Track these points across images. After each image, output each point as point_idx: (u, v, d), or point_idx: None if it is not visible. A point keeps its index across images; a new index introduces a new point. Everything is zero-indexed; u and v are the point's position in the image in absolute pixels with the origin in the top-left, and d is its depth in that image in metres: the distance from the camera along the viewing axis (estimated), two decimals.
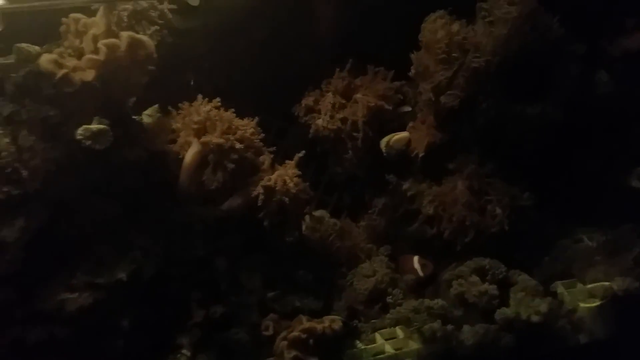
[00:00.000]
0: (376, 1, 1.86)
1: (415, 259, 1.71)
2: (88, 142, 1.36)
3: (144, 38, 1.44)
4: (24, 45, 1.37)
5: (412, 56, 1.75)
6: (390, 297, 1.69)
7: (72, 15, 1.43)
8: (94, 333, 1.41)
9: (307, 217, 1.79)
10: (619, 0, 1.79)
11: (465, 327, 1.56)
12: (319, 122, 1.83)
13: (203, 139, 1.57)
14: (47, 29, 1.46)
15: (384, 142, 1.76)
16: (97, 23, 1.40)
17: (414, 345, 1.57)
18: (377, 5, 1.86)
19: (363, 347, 1.56)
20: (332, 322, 1.51)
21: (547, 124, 1.71)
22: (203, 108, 1.60)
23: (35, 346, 1.38)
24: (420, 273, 1.71)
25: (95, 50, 1.37)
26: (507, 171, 1.72)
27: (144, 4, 1.64)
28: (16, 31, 1.41)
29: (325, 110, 1.84)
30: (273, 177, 1.59)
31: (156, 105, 1.63)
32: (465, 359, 1.55)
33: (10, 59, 1.37)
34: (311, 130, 1.85)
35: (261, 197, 1.57)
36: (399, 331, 1.60)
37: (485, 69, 1.67)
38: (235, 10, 1.79)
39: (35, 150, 1.35)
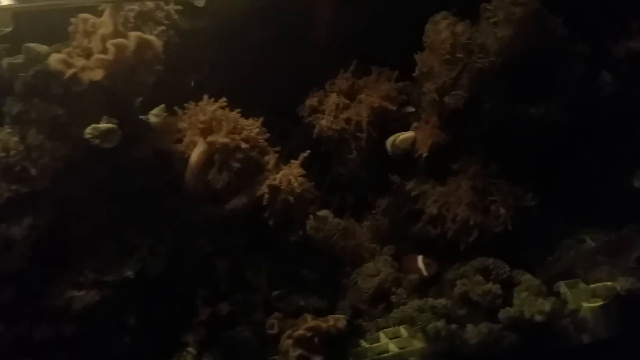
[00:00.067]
0: (380, 2, 1.87)
1: (420, 258, 1.72)
2: (97, 141, 1.37)
3: (152, 38, 1.44)
4: (32, 45, 1.37)
5: (416, 57, 1.76)
6: (394, 296, 1.69)
7: (81, 15, 1.44)
8: (101, 330, 1.42)
9: (310, 217, 1.80)
10: (623, 1, 1.79)
11: (469, 327, 1.56)
12: (323, 122, 1.84)
13: (209, 138, 1.57)
14: (54, 29, 1.48)
15: (389, 141, 1.76)
16: (106, 23, 1.40)
17: (418, 344, 1.57)
18: (382, 6, 1.87)
19: (367, 346, 1.57)
20: (337, 320, 1.51)
21: (550, 124, 1.72)
22: (209, 108, 1.60)
23: (42, 343, 1.39)
24: (425, 272, 1.71)
25: (104, 50, 1.38)
26: (510, 171, 1.73)
27: (150, 5, 1.65)
28: (25, 31, 1.42)
29: (329, 111, 1.84)
30: (278, 176, 1.60)
31: (162, 105, 1.63)
32: (469, 358, 1.56)
33: (19, 59, 1.38)
34: (315, 131, 1.86)
35: (266, 196, 1.58)
36: (403, 330, 1.61)
37: (489, 69, 1.68)
38: (240, 11, 1.80)
39: (43, 148, 1.36)
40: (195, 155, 1.60)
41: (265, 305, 1.57)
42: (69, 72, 1.35)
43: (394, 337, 1.60)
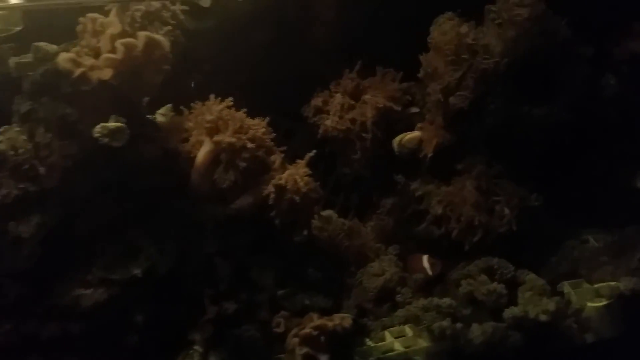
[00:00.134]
0: (385, 3, 1.88)
1: (425, 257, 1.72)
2: (105, 140, 1.37)
3: (160, 38, 1.45)
4: (42, 44, 1.38)
5: (421, 57, 1.77)
6: (399, 295, 1.70)
7: (90, 14, 1.45)
8: (108, 328, 1.43)
9: (315, 217, 1.81)
10: (626, 3, 1.81)
11: (474, 326, 1.57)
12: (328, 122, 1.85)
13: (215, 138, 1.58)
14: (62, 29, 1.48)
15: (396, 141, 1.77)
16: (114, 23, 1.41)
17: (423, 343, 1.58)
18: (386, 7, 1.88)
19: (372, 345, 1.57)
20: (342, 319, 1.52)
21: (554, 125, 1.73)
22: (215, 107, 1.61)
23: (50, 341, 1.40)
24: (430, 272, 1.71)
25: (113, 50, 1.39)
26: (515, 172, 1.74)
27: (157, 5, 1.66)
28: (34, 30, 1.43)
29: (334, 111, 1.85)
30: (284, 176, 1.60)
31: (169, 105, 1.64)
32: (474, 357, 1.56)
33: (28, 58, 1.39)
34: (320, 131, 1.86)
35: (272, 195, 1.58)
36: (408, 329, 1.61)
37: (494, 70, 1.68)
38: (246, 12, 1.81)
39: (52, 147, 1.37)
40: (201, 154, 1.61)
41: (271, 304, 1.57)
42: (78, 71, 1.36)
43: (399, 336, 1.60)
